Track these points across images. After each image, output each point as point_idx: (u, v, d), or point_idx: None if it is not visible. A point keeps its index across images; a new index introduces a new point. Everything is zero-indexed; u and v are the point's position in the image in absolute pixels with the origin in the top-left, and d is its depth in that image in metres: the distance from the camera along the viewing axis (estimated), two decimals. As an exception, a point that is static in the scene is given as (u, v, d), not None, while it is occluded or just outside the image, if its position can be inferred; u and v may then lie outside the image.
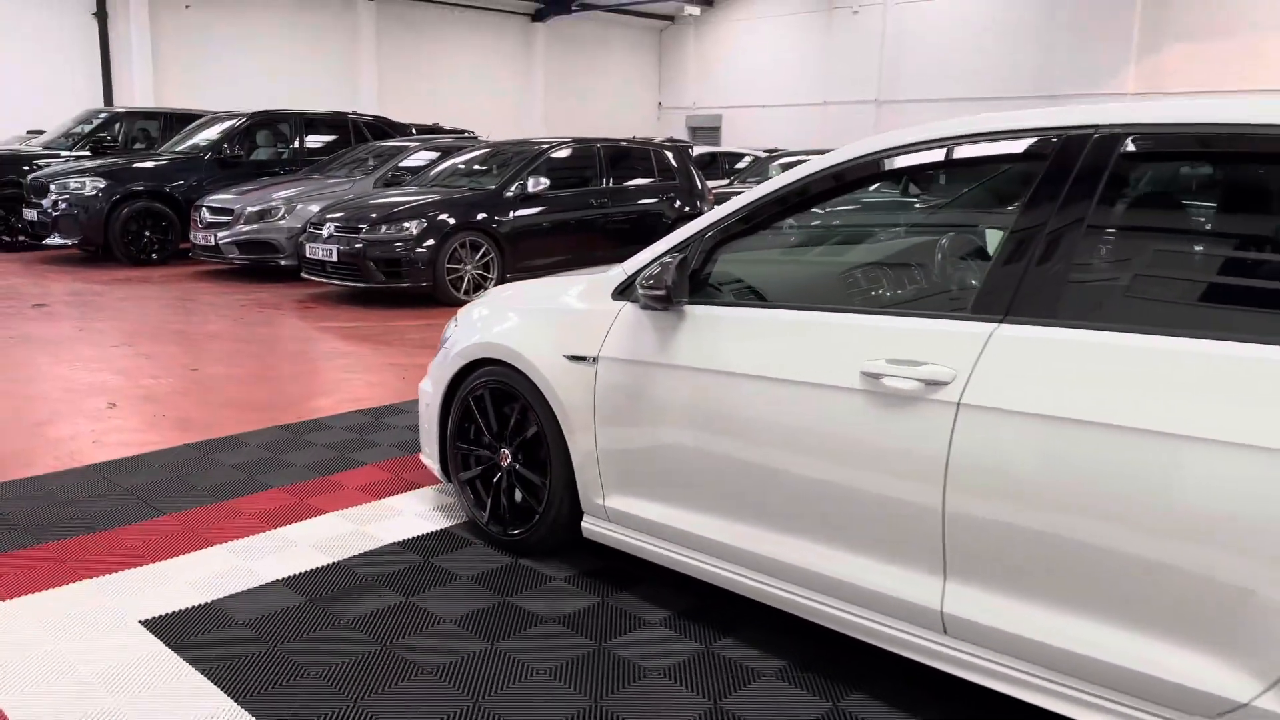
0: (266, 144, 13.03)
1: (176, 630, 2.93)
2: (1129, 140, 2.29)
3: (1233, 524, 1.95)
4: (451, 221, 8.86)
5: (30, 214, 11.52)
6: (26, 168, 12.58)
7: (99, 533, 3.63)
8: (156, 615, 3.02)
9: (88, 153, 13.13)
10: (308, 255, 9.15)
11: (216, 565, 3.38)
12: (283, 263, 10.23)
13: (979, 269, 3.03)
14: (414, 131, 14.48)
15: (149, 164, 11.87)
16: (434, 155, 11.27)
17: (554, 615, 3.05)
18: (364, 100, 23.49)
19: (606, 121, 28.29)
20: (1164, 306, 2.20)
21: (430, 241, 8.68)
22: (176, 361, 6.60)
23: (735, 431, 2.76)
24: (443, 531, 3.68)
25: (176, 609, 3.06)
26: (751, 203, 2.89)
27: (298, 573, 3.33)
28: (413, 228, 8.68)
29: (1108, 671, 2.14)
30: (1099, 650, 2.14)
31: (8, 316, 8.13)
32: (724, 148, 21.58)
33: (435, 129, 17.26)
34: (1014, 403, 2.23)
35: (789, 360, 2.64)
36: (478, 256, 9.01)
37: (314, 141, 13.28)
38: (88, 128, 13.69)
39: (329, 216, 9.14)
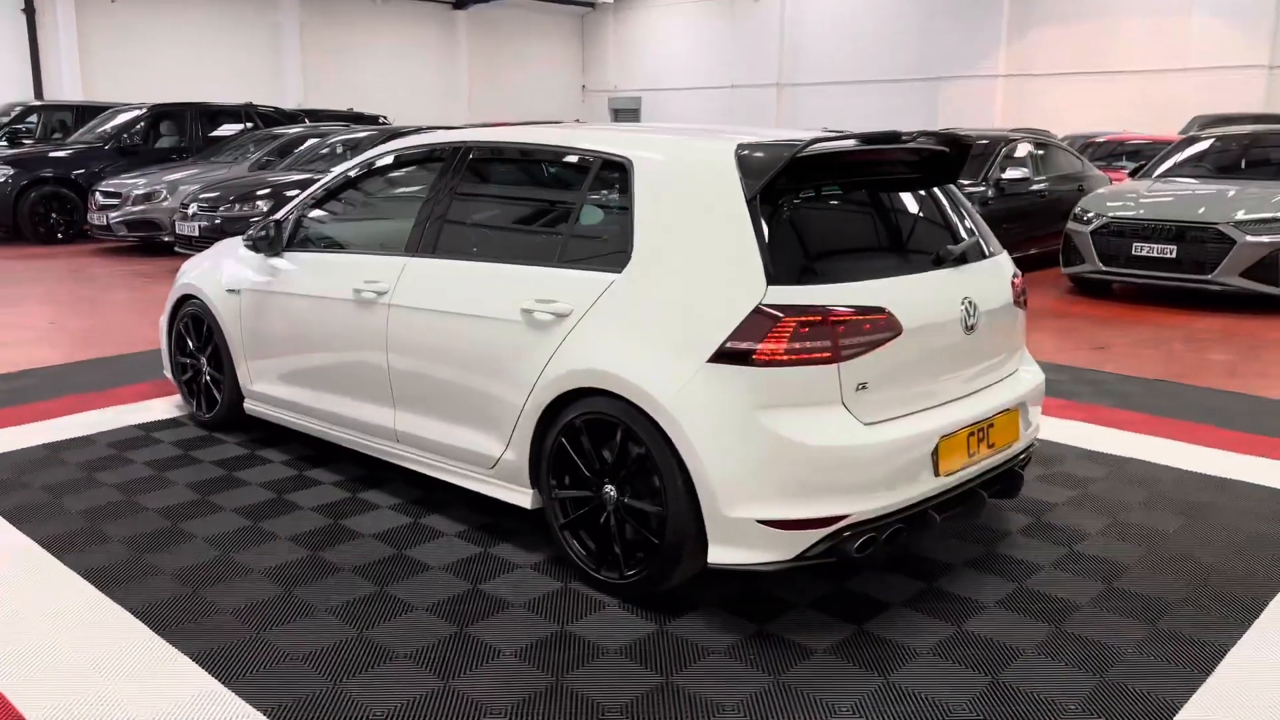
0: (169, 133, 14.49)
1: (-42, 470, 4.52)
2: (474, 151, 3.92)
3: (485, 359, 3.57)
4: (301, 201, 10.38)
5: (-52, 199, 12.94)
6: (-51, 157, 13.96)
7: (-72, 422, 5.21)
8: (52, 440, 4.63)
9: (4, 143, 14.54)
10: (178, 231, 10.67)
11: (17, 432, 4.95)
12: (166, 239, 11.70)
13: None
14: (305, 120, 15.92)
15: (56, 153, 13.32)
16: (311, 142, 12.74)
17: (212, 459, 4.66)
18: (289, 90, 24.82)
19: (531, 105, 29.71)
20: (470, 242, 3.81)
21: (279, 219, 10.20)
22: (44, 318, 8.14)
23: (303, 329, 4.37)
24: (172, 419, 5.27)
25: (-37, 460, 4.65)
26: (318, 187, 4.50)
27: (55, 440, 4.91)
28: (264, 204, 10.21)
29: (453, 450, 3.77)
30: (449, 438, 3.78)
31: (-86, 286, 9.62)
32: None
33: (350, 115, 18.77)
34: (409, 301, 3.85)
35: (324, 283, 4.25)
36: (325, 231, 10.54)
37: (220, 131, 14.72)
38: (6, 119, 15.08)
39: (198, 197, 10.65)
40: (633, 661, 2.93)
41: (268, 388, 4.68)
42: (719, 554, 3.03)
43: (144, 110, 14.15)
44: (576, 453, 3.36)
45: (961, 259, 3.43)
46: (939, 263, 3.36)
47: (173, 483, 4.35)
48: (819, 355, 2.96)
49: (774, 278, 3.00)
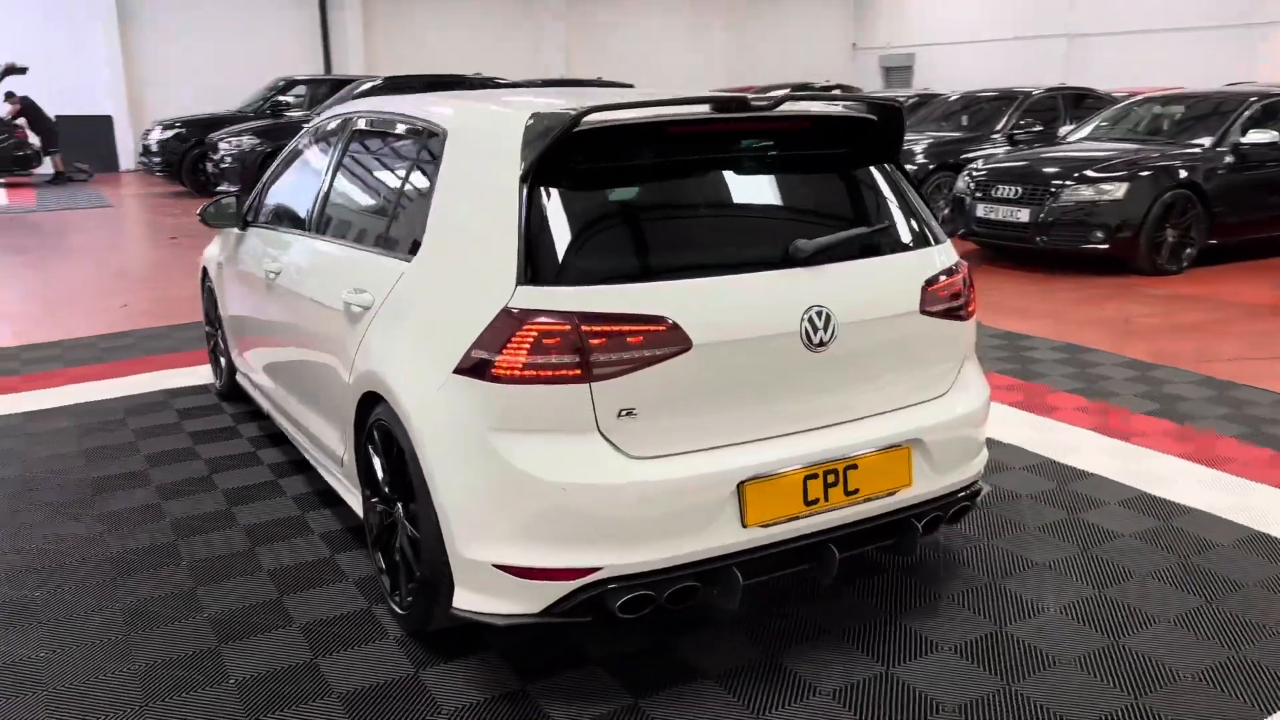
0: (404, 104, 15.30)
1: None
2: (352, 123, 3.63)
3: (328, 350, 3.28)
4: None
5: (209, 166, 14.44)
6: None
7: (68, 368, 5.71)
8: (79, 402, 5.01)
9: (269, 114, 15.98)
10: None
11: (65, 392, 5.32)
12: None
13: None
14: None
15: (295, 122, 14.44)
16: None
17: (193, 429, 4.73)
18: (552, 63, 25.60)
19: (794, 67, 28.78)
20: (334, 222, 3.52)
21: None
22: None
23: (244, 306, 4.31)
24: (201, 387, 5.44)
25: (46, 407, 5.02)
26: (276, 162, 4.38)
27: (82, 402, 5.19)
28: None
29: (320, 444, 3.55)
30: (318, 430, 3.55)
31: (144, 242, 10.77)
32: (912, 90, 20.87)
33: (598, 84, 19.16)
34: (288, 283, 3.67)
35: (255, 261, 4.14)
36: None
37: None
38: (270, 93, 16.59)
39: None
40: (346, 712, 2.57)
41: (243, 364, 4.68)
42: (462, 598, 2.59)
43: (378, 82, 15.00)
44: (376, 462, 3.01)
45: (820, 256, 2.69)
46: (786, 261, 2.66)
47: (137, 452, 4.45)
48: (565, 372, 2.42)
49: (531, 275, 2.49)
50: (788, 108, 2.78)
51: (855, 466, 2.68)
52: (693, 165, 2.74)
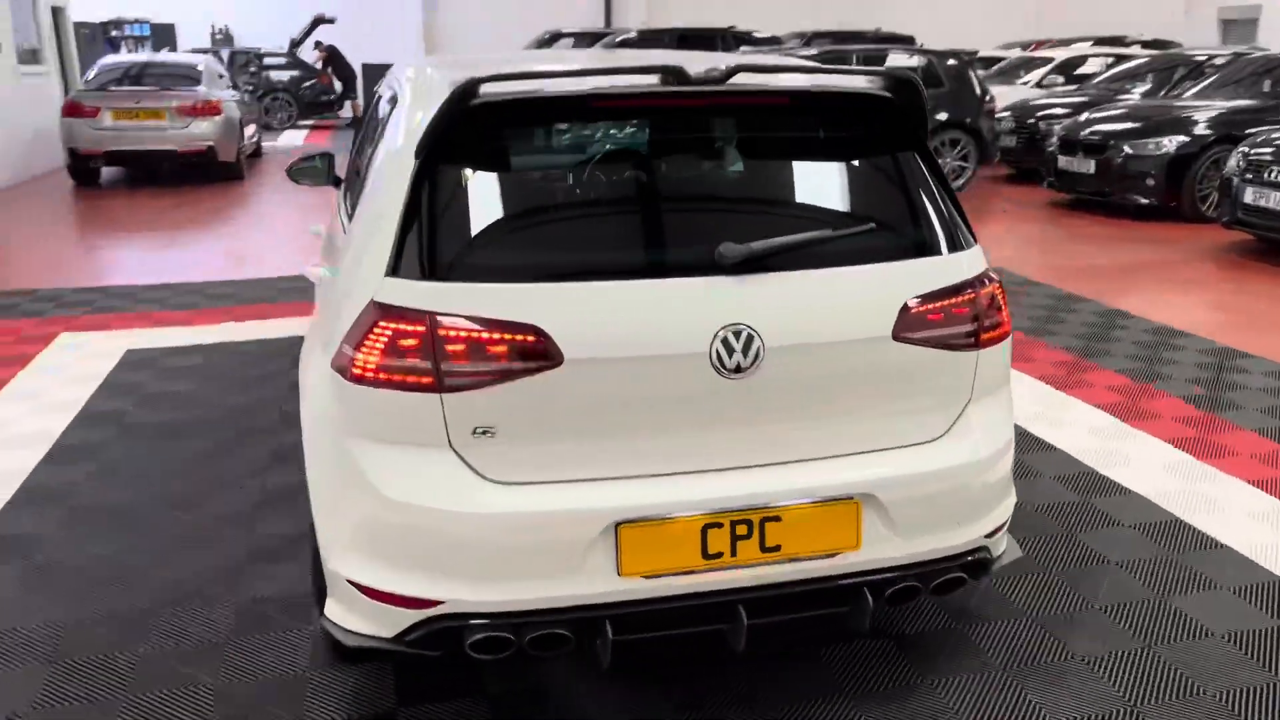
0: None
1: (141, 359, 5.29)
2: (390, 81, 3.45)
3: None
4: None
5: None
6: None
7: (227, 306, 6.18)
8: (222, 341, 5.42)
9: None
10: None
11: (225, 330, 5.69)
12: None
13: None
14: (780, 41, 15.64)
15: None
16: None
17: (272, 384, 4.86)
18: (824, 13, 24.58)
19: (1112, 19, 25.90)
20: (353, 190, 3.37)
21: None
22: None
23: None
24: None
25: (202, 343, 5.42)
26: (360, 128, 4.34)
27: (217, 341, 5.50)
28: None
29: None
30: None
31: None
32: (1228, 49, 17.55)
33: (877, 36, 18.40)
34: (323, 252, 3.58)
35: (322, 222, 4.13)
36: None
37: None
38: (539, 47, 17.06)
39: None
40: (212, 705, 2.47)
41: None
42: (330, 608, 2.39)
43: (631, 34, 15.00)
44: (322, 446, 2.88)
45: (753, 265, 2.19)
46: (712, 269, 2.20)
47: (227, 396, 4.63)
48: (415, 379, 2.14)
49: (402, 266, 2.21)
50: (741, 81, 2.29)
51: (778, 519, 2.21)
52: (619, 148, 2.33)
